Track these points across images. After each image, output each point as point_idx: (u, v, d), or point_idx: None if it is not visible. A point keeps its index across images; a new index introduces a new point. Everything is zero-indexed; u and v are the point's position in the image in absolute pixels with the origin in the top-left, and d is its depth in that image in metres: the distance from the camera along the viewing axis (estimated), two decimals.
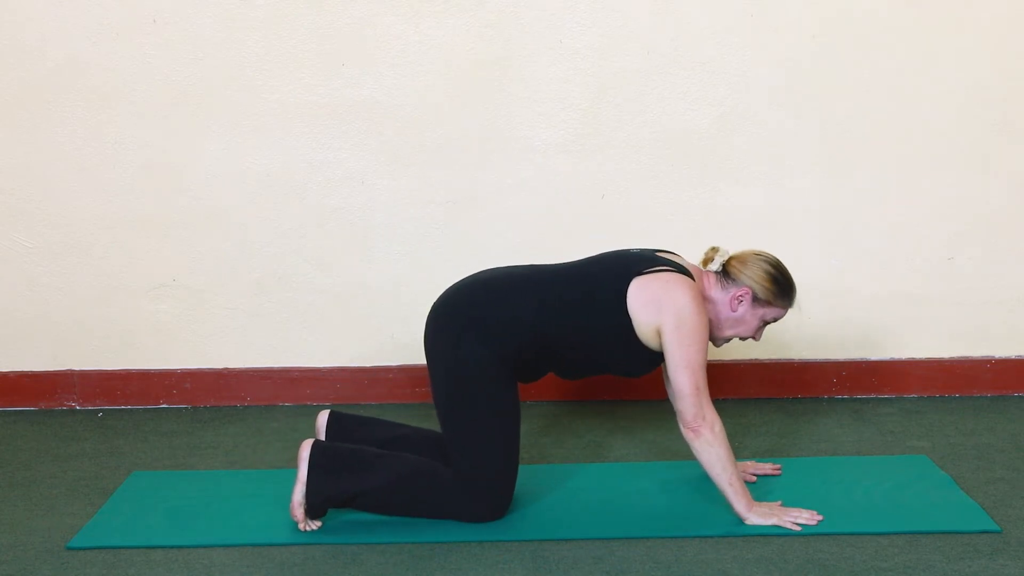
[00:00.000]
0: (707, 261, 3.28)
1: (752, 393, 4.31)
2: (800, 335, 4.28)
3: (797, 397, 4.32)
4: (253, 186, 4.18)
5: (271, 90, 4.12)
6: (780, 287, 3.24)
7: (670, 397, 3.48)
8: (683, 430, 3.15)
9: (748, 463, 3.55)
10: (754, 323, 3.26)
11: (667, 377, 3.40)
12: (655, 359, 3.23)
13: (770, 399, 4.30)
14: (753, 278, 3.22)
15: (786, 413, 4.16)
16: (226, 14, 4.07)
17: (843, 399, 4.31)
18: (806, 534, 3.12)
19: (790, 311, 3.31)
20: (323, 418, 3.39)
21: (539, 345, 3.17)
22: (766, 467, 3.54)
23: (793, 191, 4.20)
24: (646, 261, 3.20)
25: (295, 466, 3.48)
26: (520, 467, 3.55)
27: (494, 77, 4.11)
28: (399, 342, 4.28)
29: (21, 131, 4.14)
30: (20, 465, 3.76)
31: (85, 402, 4.31)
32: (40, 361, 4.30)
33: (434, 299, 4.16)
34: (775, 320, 3.30)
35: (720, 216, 4.19)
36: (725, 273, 3.25)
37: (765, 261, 3.25)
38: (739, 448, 3.79)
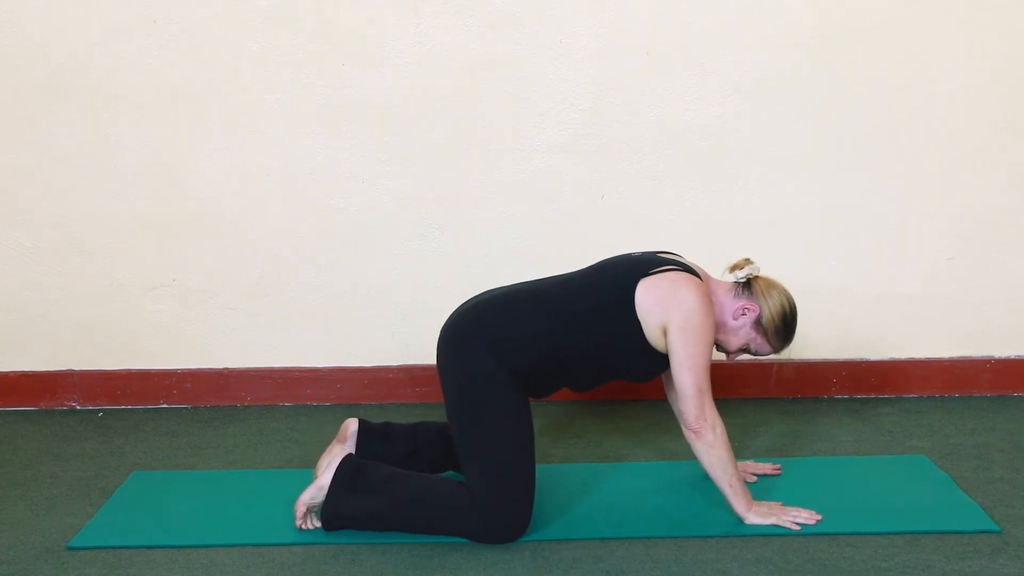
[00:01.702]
0: (736, 267, 3.27)
1: (752, 393, 4.31)
2: (800, 335, 4.27)
3: (797, 397, 4.32)
4: (253, 186, 4.18)
5: (271, 90, 4.12)
6: (785, 326, 3.25)
7: (669, 399, 3.48)
8: (684, 431, 3.14)
9: (748, 463, 3.56)
10: (741, 342, 3.25)
11: (666, 379, 3.40)
12: (665, 362, 3.20)
13: (770, 399, 4.30)
14: (769, 304, 3.22)
15: (786, 413, 4.16)
16: (226, 14, 4.07)
17: (843, 399, 4.31)
18: (805, 534, 3.12)
19: (772, 355, 3.33)
20: (353, 426, 3.36)
21: (554, 359, 3.14)
22: (766, 467, 3.54)
23: (793, 191, 4.20)
24: (651, 263, 3.18)
25: (311, 466, 3.50)
26: None
27: (494, 77, 4.12)
28: (399, 342, 4.28)
29: (21, 131, 4.14)
30: (21, 465, 3.77)
31: (86, 402, 4.32)
32: (41, 361, 4.30)
33: (433, 299, 4.18)
34: (756, 353, 3.29)
35: (720, 216, 4.20)
36: (746, 285, 3.25)
37: (786, 297, 3.26)
38: (739, 448, 3.79)
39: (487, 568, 2.98)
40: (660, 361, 3.20)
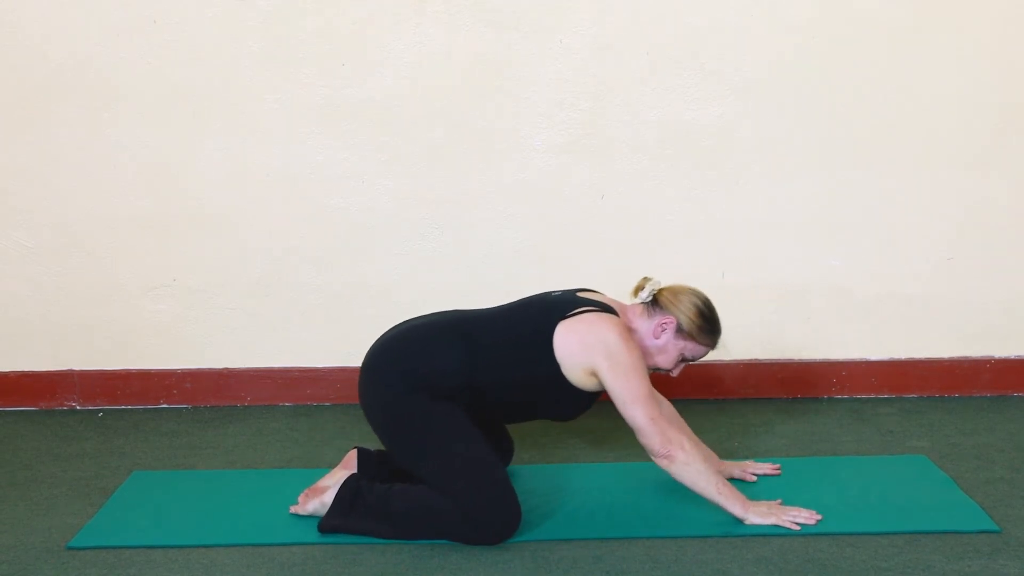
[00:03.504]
0: (638, 289, 3.29)
1: (752, 393, 4.31)
2: (800, 335, 4.28)
3: (797, 397, 4.32)
4: (253, 186, 4.18)
5: (271, 90, 4.12)
6: (706, 322, 3.24)
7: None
8: (656, 460, 3.13)
9: (747, 463, 3.55)
10: (674, 354, 3.25)
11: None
12: (588, 400, 3.24)
13: (770, 399, 4.30)
14: (681, 309, 3.23)
15: (786, 413, 4.16)
16: (226, 15, 4.07)
17: (843, 399, 4.31)
18: (805, 534, 3.12)
19: (710, 352, 3.31)
20: (354, 458, 3.38)
21: (470, 392, 3.16)
22: (765, 467, 3.54)
23: (793, 191, 4.20)
24: (568, 304, 3.20)
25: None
26: (520, 467, 3.58)
27: (494, 77, 4.11)
28: None
29: (21, 131, 4.14)
30: (20, 465, 3.76)
31: (86, 402, 4.31)
32: (41, 361, 4.30)
33: (433, 299, 4.18)
34: (693, 359, 3.29)
35: (720, 216, 4.19)
36: (654, 302, 3.26)
37: (696, 296, 3.26)
38: (739, 448, 3.80)
39: (487, 568, 2.98)
40: (581, 399, 3.22)
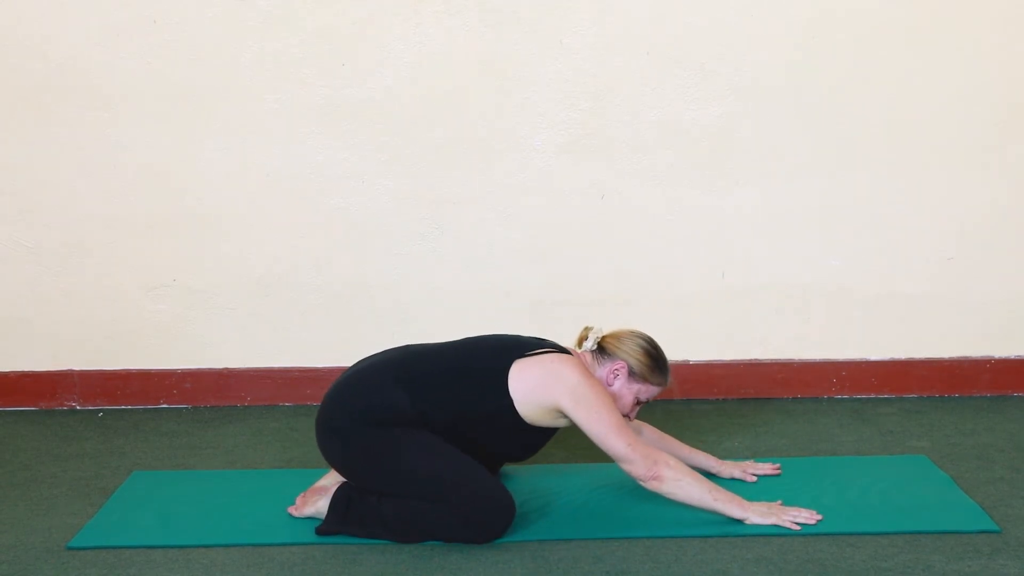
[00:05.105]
0: (582, 340, 3.29)
1: (752, 393, 4.31)
2: (800, 335, 4.28)
3: (797, 397, 4.32)
4: (253, 186, 4.18)
5: (271, 90, 4.12)
6: (655, 361, 3.25)
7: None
8: (646, 485, 3.12)
9: (747, 463, 3.55)
10: (629, 399, 3.25)
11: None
12: (540, 438, 3.23)
13: (770, 399, 4.30)
14: (629, 353, 3.23)
15: (786, 413, 4.16)
16: (226, 15, 4.07)
17: (843, 399, 4.31)
18: (806, 534, 3.12)
19: (662, 390, 3.30)
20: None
21: (421, 426, 3.14)
22: (766, 467, 3.54)
23: (793, 191, 4.20)
24: (526, 345, 3.20)
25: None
26: (520, 467, 3.57)
27: (494, 77, 4.11)
28: (399, 342, 4.24)
29: (21, 131, 4.14)
30: (20, 465, 3.77)
31: (85, 402, 4.31)
32: (40, 361, 4.30)
33: (434, 299, 4.19)
34: (647, 400, 3.29)
35: (720, 216, 4.19)
36: (601, 350, 3.26)
37: (640, 338, 3.27)
38: (739, 448, 3.80)
39: (487, 568, 2.98)
40: (534, 436, 3.21)
